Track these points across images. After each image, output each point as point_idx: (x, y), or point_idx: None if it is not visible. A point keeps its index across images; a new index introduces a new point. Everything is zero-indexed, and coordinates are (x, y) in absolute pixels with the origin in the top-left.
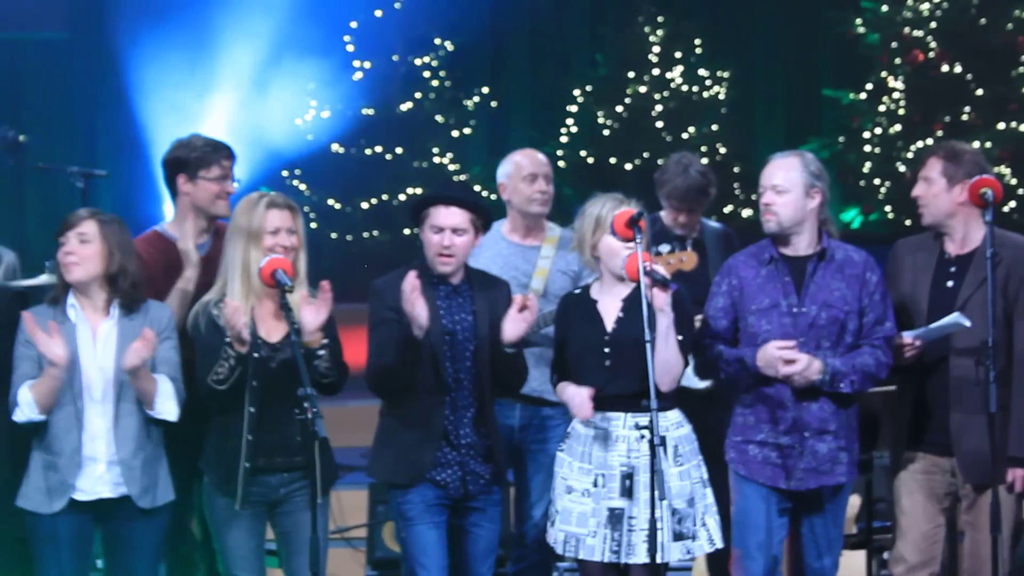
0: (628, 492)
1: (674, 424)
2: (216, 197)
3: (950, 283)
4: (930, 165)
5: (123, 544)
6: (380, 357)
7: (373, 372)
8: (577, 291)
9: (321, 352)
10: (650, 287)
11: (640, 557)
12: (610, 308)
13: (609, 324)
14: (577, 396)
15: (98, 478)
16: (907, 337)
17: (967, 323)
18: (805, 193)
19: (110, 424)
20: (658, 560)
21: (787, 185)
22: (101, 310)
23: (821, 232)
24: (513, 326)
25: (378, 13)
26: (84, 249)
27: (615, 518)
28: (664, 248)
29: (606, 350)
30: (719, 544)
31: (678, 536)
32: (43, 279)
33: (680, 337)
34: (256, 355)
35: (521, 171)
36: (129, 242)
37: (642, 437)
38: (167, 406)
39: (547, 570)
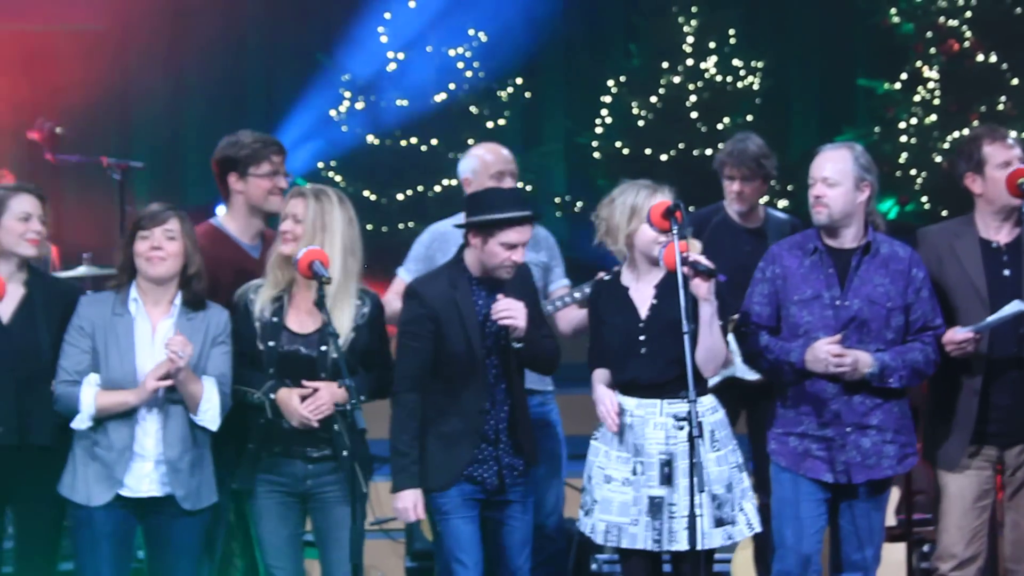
0: (668, 479)
1: (709, 410)
2: (268, 193)
3: (1006, 272)
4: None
5: (165, 542)
6: (402, 383)
7: (393, 392)
8: (607, 277)
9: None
10: (692, 277)
11: (682, 544)
12: (643, 294)
13: (643, 311)
14: (604, 403)
15: (145, 476)
16: (963, 333)
17: None
18: (855, 186)
19: (160, 423)
20: (701, 547)
21: (838, 177)
22: (164, 307)
23: (867, 225)
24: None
25: (412, 4)
26: (171, 246)
27: (655, 507)
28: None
29: (641, 337)
30: (757, 528)
31: (719, 522)
32: (81, 271)
33: (720, 323)
34: (272, 343)
35: (488, 168)
36: (197, 241)
37: (681, 427)
38: (209, 416)
39: (566, 556)
